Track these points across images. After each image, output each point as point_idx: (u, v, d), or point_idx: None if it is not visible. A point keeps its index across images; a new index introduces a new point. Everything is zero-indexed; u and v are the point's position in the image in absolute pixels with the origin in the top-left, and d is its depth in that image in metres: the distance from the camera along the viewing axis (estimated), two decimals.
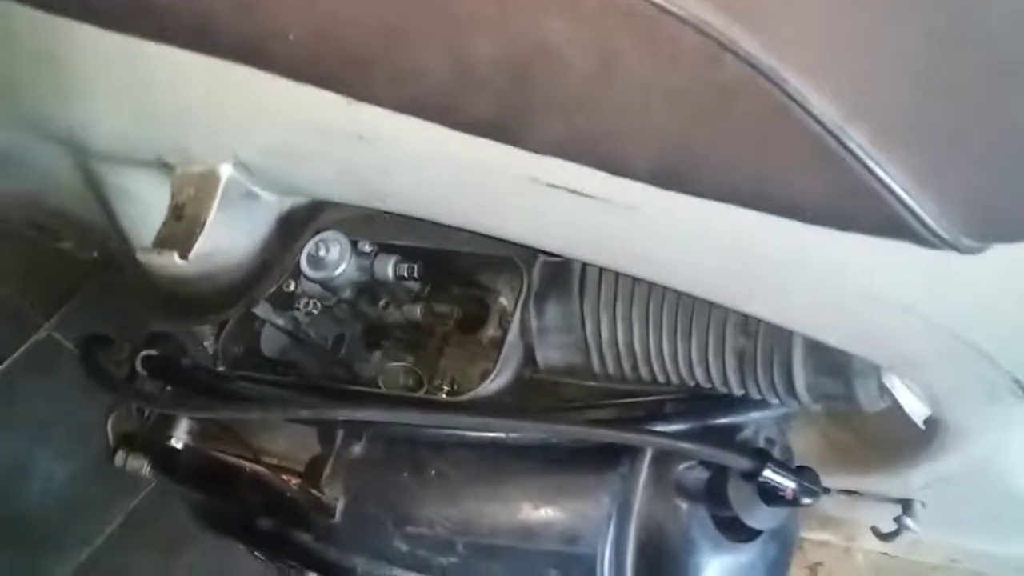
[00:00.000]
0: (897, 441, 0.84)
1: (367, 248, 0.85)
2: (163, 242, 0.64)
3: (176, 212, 0.65)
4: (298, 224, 0.91)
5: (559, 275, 0.78)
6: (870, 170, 0.39)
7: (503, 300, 0.85)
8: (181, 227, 0.64)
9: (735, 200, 0.44)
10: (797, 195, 0.42)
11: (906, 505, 0.93)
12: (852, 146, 0.39)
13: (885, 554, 1.05)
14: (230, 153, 0.63)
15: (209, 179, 0.63)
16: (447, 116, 0.47)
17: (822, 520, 1.09)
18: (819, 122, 0.38)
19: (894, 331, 0.52)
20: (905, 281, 0.47)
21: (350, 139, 0.54)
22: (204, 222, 0.63)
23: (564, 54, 0.41)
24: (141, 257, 0.66)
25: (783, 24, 0.37)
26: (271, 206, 0.85)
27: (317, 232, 0.84)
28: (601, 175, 0.47)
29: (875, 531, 0.97)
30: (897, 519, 0.94)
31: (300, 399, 0.77)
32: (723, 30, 0.37)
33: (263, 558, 0.92)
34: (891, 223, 0.41)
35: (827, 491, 1.00)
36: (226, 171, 0.63)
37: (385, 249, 0.85)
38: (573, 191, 0.50)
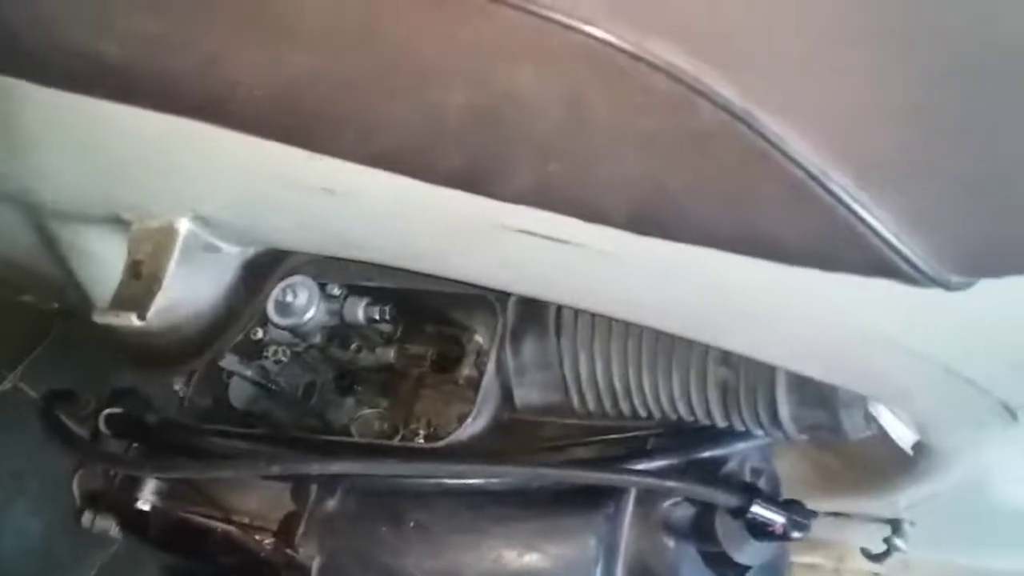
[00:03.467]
0: (883, 464, 0.83)
1: (336, 291, 0.82)
2: (120, 303, 0.62)
3: (133, 270, 0.62)
4: (263, 270, 0.88)
5: (534, 312, 0.77)
6: (855, 212, 0.38)
7: (478, 338, 0.83)
8: (138, 286, 0.61)
9: (714, 244, 0.43)
10: (778, 239, 0.40)
11: (895, 525, 0.92)
12: (835, 189, 0.37)
13: (876, 575, 1.03)
14: (188, 208, 0.60)
15: (167, 234, 0.61)
16: (417, 169, 0.45)
17: (811, 543, 1.07)
18: (800, 166, 0.37)
19: (881, 365, 0.51)
20: (892, 317, 0.46)
21: (315, 192, 0.52)
22: (162, 280, 0.61)
23: (533, 102, 0.39)
24: (98, 318, 0.63)
25: (760, 67, 0.36)
26: (234, 255, 0.83)
27: (283, 277, 0.81)
28: (575, 221, 0.46)
29: (865, 552, 0.96)
30: (886, 539, 0.92)
31: (270, 454, 0.74)
32: (696, 75, 0.35)
33: None
34: (877, 264, 0.39)
35: (815, 514, 0.99)
36: (184, 226, 0.61)
37: (355, 291, 0.82)
38: (546, 237, 0.49)
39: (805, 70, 0.36)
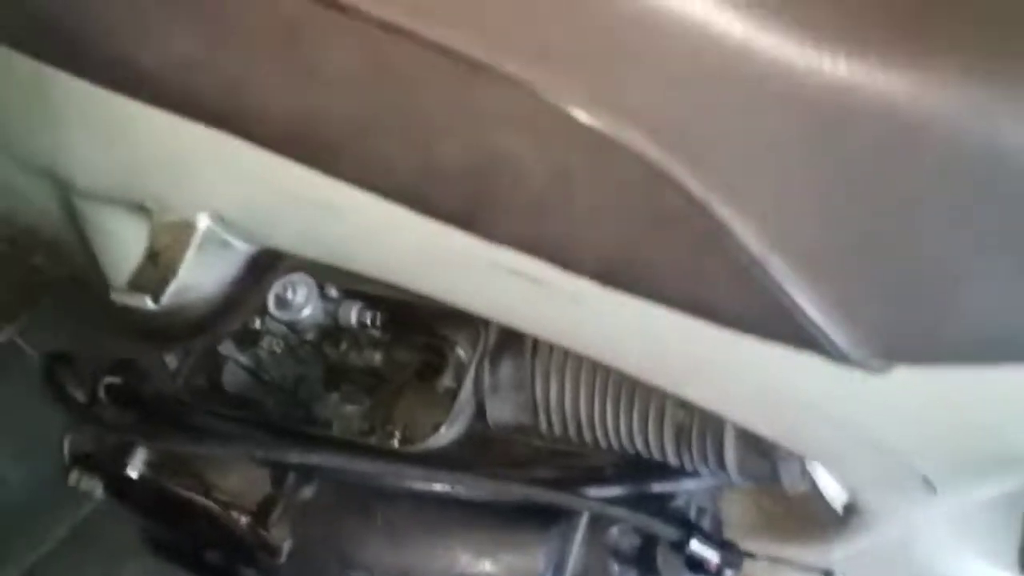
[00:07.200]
0: (819, 517, 0.88)
1: (333, 294, 0.88)
2: (137, 285, 0.67)
3: (152, 257, 0.68)
4: (266, 265, 0.94)
5: (515, 335, 0.82)
6: (789, 296, 0.43)
7: (460, 352, 0.88)
8: (155, 272, 0.67)
9: (671, 305, 0.48)
10: (722, 309, 0.46)
11: (827, 575, 0.98)
12: (773, 273, 0.43)
13: None
14: (206, 206, 0.66)
15: (186, 229, 0.66)
16: (412, 203, 0.51)
17: None
18: (745, 251, 0.42)
19: (811, 430, 0.56)
20: (820, 389, 0.51)
21: (320, 207, 0.58)
22: (177, 270, 0.66)
23: (522, 167, 0.45)
24: (115, 297, 0.69)
25: (719, 164, 0.41)
26: (243, 250, 0.88)
27: (285, 273, 0.87)
28: (553, 267, 0.51)
29: None
30: None
31: (256, 438, 0.80)
32: (663, 164, 0.41)
33: None
34: (806, 341, 0.45)
35: (753, 556, 1.04)
36: (203, 222, 0.66)
37: (350, 295, 0.88)
38: (525, 276, 0.54)
39: (757, 171, 0.41)
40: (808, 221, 0.42)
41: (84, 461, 0.93)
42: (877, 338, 0.45)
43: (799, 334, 0.45)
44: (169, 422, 0.84)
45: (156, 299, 0.67)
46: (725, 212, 0.42)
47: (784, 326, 0.45)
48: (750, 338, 0.48)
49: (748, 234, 0.42)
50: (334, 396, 0.90)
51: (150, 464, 0.82)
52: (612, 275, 0.48)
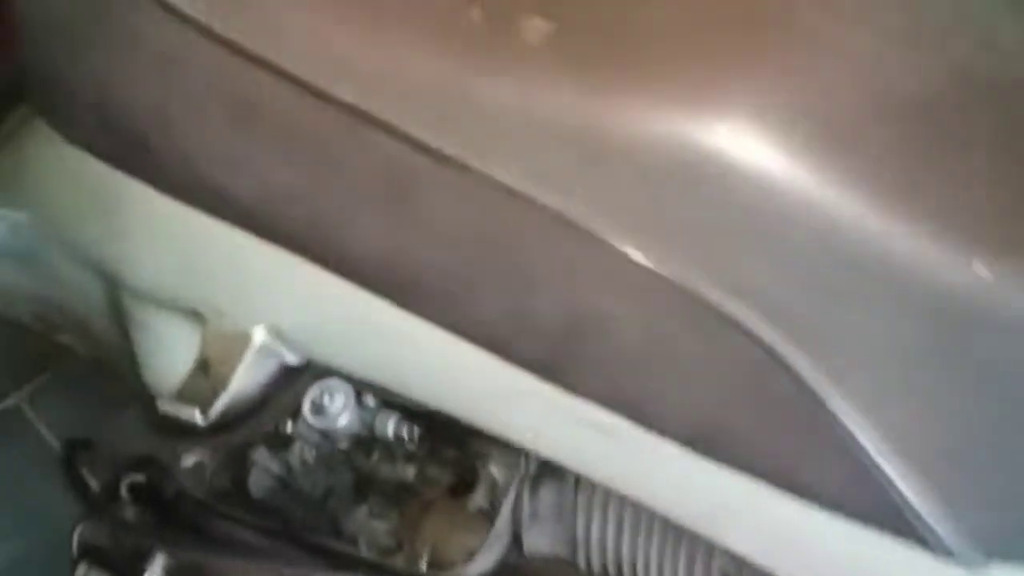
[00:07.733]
0: None
1: (371, 403, 0.86)
2: (186, 395, 0.66)
3: (203, 366, 0.66)
4: (302, 367, 0.92)
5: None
6: (894, 485, 0.42)
7: (493, 469, 0.86)
8: (206, 384, 0.65)
9: (759, 477, 0.47)
10: (822, 491, 0.44)
11: None
12: (880, 462, 0.42)
13: None
14: (266, 320, 0.65)
15: (240, 341, 0.65)
16: (496, 349, 0.50)
17: None
18: (852, 438, 0.41)
19: None
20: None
21: (395, 339, 0.57)
22: (228, 383, 0.65)
23: (616, 328, 0.44)
24: (162, 406, 0.67)
25: (834, 351, 0.40)
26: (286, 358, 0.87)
27: (318, 375, 0.85)
28: (631, 424, 0.50)
29: None
30: None
31: (286, 554, 0.77)
32: (775, 344, 0.40)
33: None
34: (906, 532, 0.43)
35: None
36: (259, 336, 0.65)
37: (387, 405, 0.86)
38: (596, 428, 0.53)
39: (873, 364, 0.41)
40: (921, 418, 0.41)
41: (94, 555, 0.89)
42: (978, 534, 0.44)
43: (899, 523, 0.43)
44: (191, 527, 0.81)
45: (205, 412, 0.65)
46: (836, 400, 0.41)
47: (884, 513, 0.43)
48: (838, 517, 0.47)
49: (858, 423, 0.41)
50: (362, 508, 0.87)
51: (170, 571, 0.79)
52: (699, 441, 0.47)
